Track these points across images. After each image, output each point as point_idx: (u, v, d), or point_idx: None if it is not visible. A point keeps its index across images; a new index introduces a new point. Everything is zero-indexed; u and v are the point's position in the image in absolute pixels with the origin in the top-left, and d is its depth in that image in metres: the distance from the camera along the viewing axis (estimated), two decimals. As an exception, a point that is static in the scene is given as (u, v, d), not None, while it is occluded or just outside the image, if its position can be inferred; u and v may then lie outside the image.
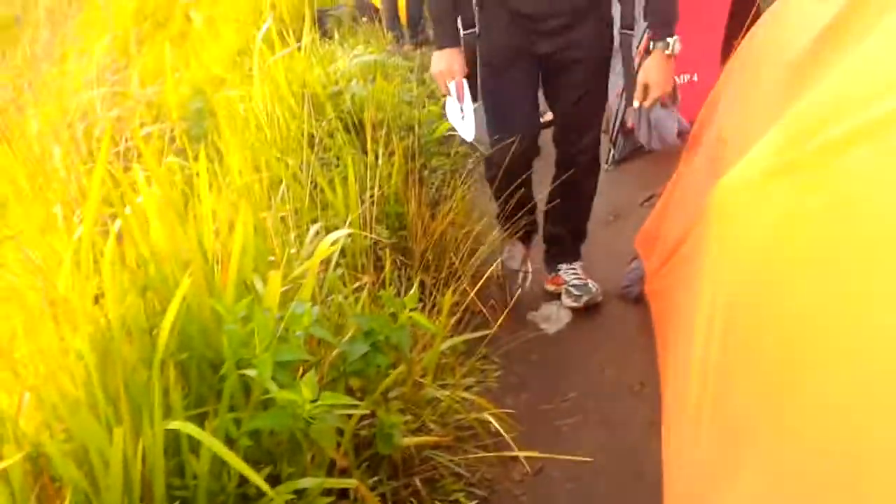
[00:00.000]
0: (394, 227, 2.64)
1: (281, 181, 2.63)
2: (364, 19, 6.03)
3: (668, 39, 2.30)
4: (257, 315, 1.53)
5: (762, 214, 1.27)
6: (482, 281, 2.47)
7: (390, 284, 2.36)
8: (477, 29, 2.47)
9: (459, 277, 2.54)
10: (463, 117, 2.49)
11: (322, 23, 5.82)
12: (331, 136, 2.87)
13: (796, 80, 1.39)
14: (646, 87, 2.38)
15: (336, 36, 4.94)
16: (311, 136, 2.93)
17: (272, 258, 2.03)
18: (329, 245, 1.80)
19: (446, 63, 2.43)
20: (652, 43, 2.33)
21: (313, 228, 2.30)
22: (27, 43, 4.84)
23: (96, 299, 1.76)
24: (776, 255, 1.20)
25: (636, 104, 2.42)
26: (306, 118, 3.05)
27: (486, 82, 2.51)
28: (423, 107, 3.24)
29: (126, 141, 4.42)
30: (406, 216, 2.66)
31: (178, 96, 4.46)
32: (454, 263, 2.61)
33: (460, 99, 2.44)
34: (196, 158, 3.69)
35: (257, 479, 1.38)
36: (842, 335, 1.01)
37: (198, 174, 2.34)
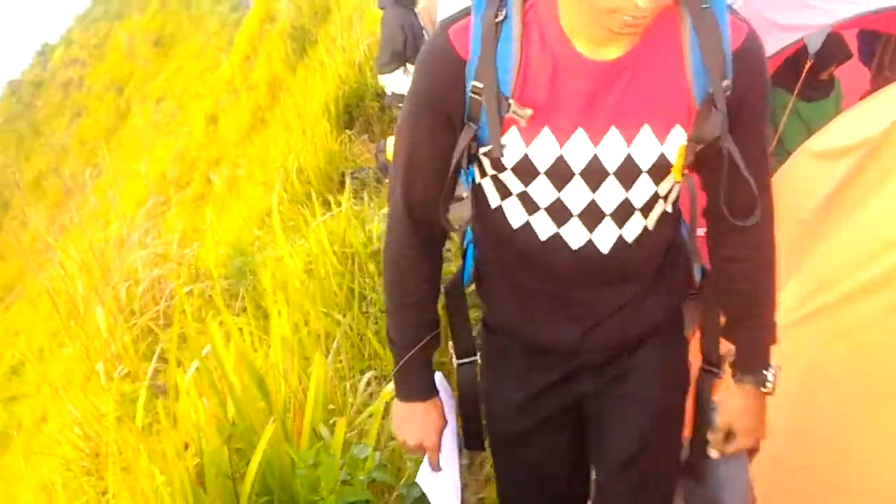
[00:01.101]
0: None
1: (328, 334, 2.81)
2: (387, 181, 6.40)
3: (765, 372, 1.48)
4: (324, 460, 1.67)
5: (789, 364, 1.42)
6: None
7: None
8: (478, 358, 1.58)
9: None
10: (440, 488, 1.58)
11: (349, 183, 6.16)
12: (374, 290, 3.08)
13: (808, 236, 1.59)
14: (728, 433, 1.52)
15: (364, 197, 5.25)
16: (354, 292, 3.14)
17: (331, 406, 2.19)
18: (390, 392, 1.96)
19: (415, 426, 1.52)
20: (740, 373, 1.50)
21: (365, 377, 2.46)
22: (74, 209, 5.15)
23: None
24: (805, 403, 1.34)
25: (712, 454, 1.55)
26: (348, 275, 3.26)
27: (498, 455, 1.66)
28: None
29: (167, 300, 4.66)
30: (448, 366, 2.82)
31: (215, 256, 4.74)
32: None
33: (435, 466, 1.55)
34: (238, 314, 3.90)
35: None
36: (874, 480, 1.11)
37: (248, 330, 2.54)
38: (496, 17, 1.21)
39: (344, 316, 2.96)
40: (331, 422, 2.05)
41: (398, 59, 5.80)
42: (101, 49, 33.63)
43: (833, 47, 3.65)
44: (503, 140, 1.24)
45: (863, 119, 2.04)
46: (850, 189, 1.57)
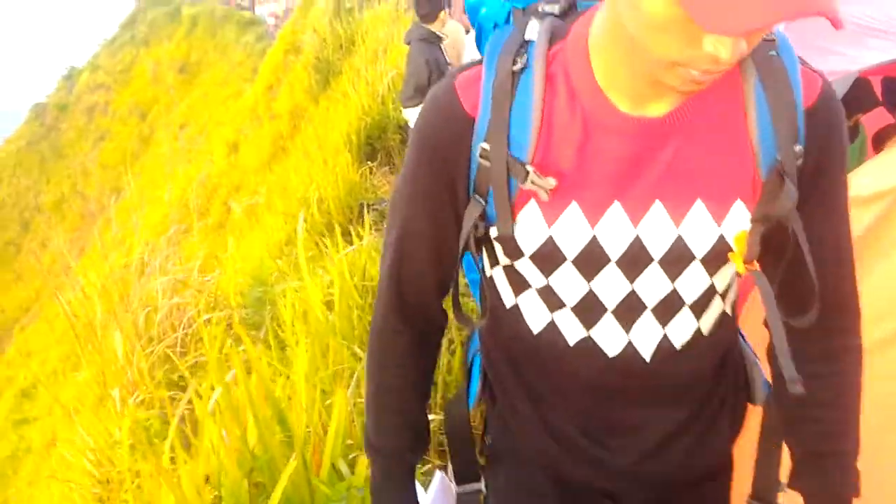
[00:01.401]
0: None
1: (347, 368, 2.81)
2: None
3: None
4: (353, 496, 1.66)
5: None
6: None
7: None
8: (482, 486, 1.29)
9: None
10: None
11: (368, 215, 6.19)
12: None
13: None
14: None
15: (383, 228, 5.27)
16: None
17: (350, 441, 2.18)
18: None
19: None
20: None
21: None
22: (96, 233, 5.20)
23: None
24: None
25: None
26: (368, 308, 3.26)
27: None
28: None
29: (185, 327, 4.67)
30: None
31: (235, 284, 4.76)
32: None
33: None
34: (257, 344, 3.90)
35: None
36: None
37: (268, 360, 2.53)
38: (514, 65, 0.97)
39: (363, 350, 2.95)
40: (349, 457, 2.04)
41: (422, 93, 5.84)
42: (126, 74, 34.14)
43: (860, 93, 3.65)
44: (519, 218, 0.99)
45: (890, 165, 2.03)
46: (879, 237, 1.56)
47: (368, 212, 6.36)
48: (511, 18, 1.12)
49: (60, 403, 15.56)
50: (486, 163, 0.98)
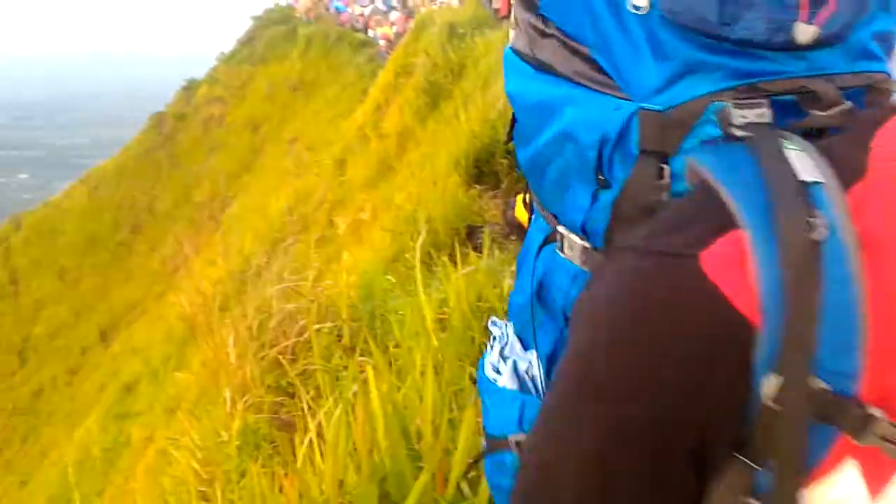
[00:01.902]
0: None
1: (463, 388, 2.83)
2: (513, 237, 6.43)
3: None
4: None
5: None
6: None
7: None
8: None
9: None
10: None
11: (473, 238, 6.24)
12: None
13: None
14: None
15: (494, 252, 5.29)
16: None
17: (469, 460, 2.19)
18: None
19: None
20: None
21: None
22: (208, 240, 5.42)
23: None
24: None
25: None
26: (481, 330, 3.28)
27: None
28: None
29: (297, 335, 4.80)
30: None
31: (347, 297, 4.86)
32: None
33: None
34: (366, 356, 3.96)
35: None
36: None
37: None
38: (809, 230, 0.56)
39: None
40: (468, 476, 2.06)
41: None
42: (242, 90, 35.45)
43: None
44: (819, 493, 0.59)
45: None
46: None
47: (476, 235, 6.41)
48: (641, 129, 0.71)
49: (160, 402, 16.14)
50: (775, 406, 0.57)
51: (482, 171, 8.19)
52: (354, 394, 2.18)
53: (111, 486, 12.71)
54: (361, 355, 4.14)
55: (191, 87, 40.05)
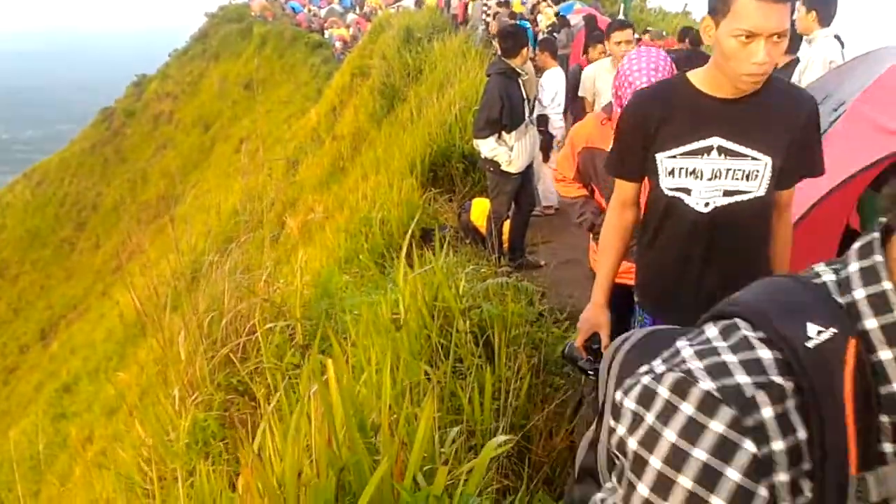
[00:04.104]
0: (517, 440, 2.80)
1: (417, 385, 2.85)
2: (467, 241, 6.48)
3: None
4: (441, 504, 1.70)
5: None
6: None
7: (512, 493, 2.51)
8: None
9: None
10: None
11: (427, 240, 6.27)
12: (458, 347, 3.12)
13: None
14: None
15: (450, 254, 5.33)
16: (442, 346, 3.18)
17: (424, 454, 2.22)
18: (495, 448, 1.98)
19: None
20: None
21: (454, 430, 2.49)
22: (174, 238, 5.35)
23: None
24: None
25: None
26: (436, 329, 3.31)
27: None
28: (547, 328, 3.50)
29: (247, 334, 4.76)
30: (530, 430, 2.83)
31: (301, 296, 4.84)
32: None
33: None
34: (313, 354, 3.95)
35: None
36: None
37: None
38: None
39: (433, 368, 3.00)
40: (424, 469, 2.08)
41: (493, 126, 5.93)
42: (194, 86, 34.97)
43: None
44: None
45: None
46: None
47: (430, 237, 6.44)
48: None
49: (99, 401, 15.70)
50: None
51: (437, 174, 8.25)
52: (311, 390, 2.18)
53: (47, 486, 12.42)
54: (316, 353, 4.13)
55: (141, 82, 39.38)
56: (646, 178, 2.38)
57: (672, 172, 2.26)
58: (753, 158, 2.19)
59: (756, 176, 2.21)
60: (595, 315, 2.40)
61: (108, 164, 34.99)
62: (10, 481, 16.45)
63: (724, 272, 2.28)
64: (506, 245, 6.27)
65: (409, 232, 6.73)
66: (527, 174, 6.22)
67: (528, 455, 2.82)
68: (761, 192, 2.23)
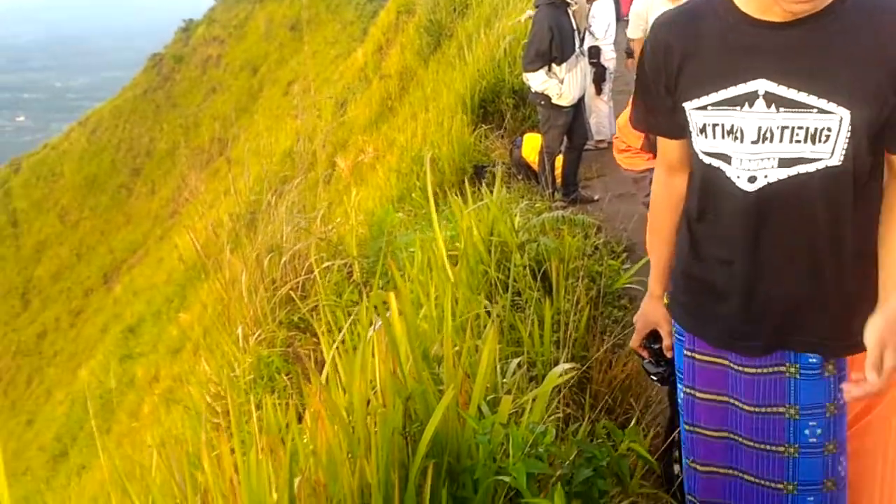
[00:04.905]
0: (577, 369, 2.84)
1: (477, 317, 2.89)
2: (519, 177, 6.46)
3: None
4: (513, 431, 1.75)
5: None
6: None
7: (574, 422, 2.55)
8: None
9: (639, 422, 2.69)
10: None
11: (479, 177, 6.26)
12: (515, 281, 3.15)
13: None
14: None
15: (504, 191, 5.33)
16: (499, 281, 3.21)
17: (487, 385, 2.26)
18: (558, 376, 2.02)
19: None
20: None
21: (514, 362, 2.53)
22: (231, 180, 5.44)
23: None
24: None
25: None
26: (493, 264, 3.34)
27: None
28: (604, 261, 3.51)
29: (306, 273, 4.86)
30: (589, 360, 2.86)
31: (357, 234, 4.90)
32: (633, 409, 2.78)
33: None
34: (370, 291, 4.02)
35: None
36: None
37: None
38: None
39: (491, 303, 3.03)
40: (487, 399, 2.13)
41: (542, 58, 5.84)
42: (240, 30, 35.02)
43: None
44: None
45: None
46: None
47: (482, 174, 6.43)
48: None
49: (164, 342, 16.17)
50: None
51: (487, 110, 8.18)
52: (376, 324, 2.23)
53: (117, 423, 12.96)
54: (373, 290, 4.20)
55: (189, 27, 39.53)
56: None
57: (704, 130, 1.62)
58: (821, 111, 1.49)
59: (826, 136, 1.50)
60: (652, 310, 1.97)
61: (160, 110, 35.43)
62: (83, 419, 17.19)
63: (783, 284, 1.66)
64: (559, 180, 6.23)
65: (461, 169, 6.80)
66: (578, 107, 6.14)
67: (588, 385, 2.85)
68: (836, 160, 1.52)
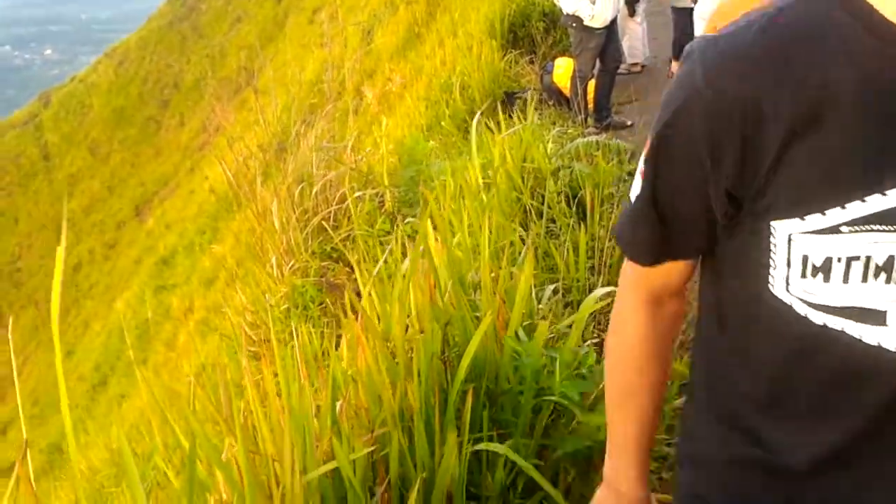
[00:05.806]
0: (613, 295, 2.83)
1: (511, 244, 2.89)
2: (551, 103, 6.37)
3: None
4: (562, 352, 1.76)
5: None
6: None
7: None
8: None
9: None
10: None
11: (510, 103, 6.17)
12: (549, 207, 3.13)
13: None
14: None
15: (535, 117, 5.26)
16: (534, 208, 3.19)
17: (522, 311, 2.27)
18: (595, 301, 2.02)
19: None
20: None
21: (550, 288, 2.53)
22: (259, 111, 5.42)
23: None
24: None
25: None
26: (527, 191, 3.32)
27: None
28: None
29: (337, 202, 4.86)
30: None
31: (388, 163, 4.88)
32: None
33: None
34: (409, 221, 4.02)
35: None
36: None
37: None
38: None
39: (525, 230, 3.03)
40: (524, 324, 2.14)
41: (576, -22, 5.70)
42: (264, -44, 34.41)
43: None
44: None
45: None
46: None
47: (512, 101, 6.35)
48: None
49: (197, 273, 16.36)
50: None
51: (517, 35, 8.03)
52: (403, 251, 2.24)
53: (154, 353, 13.26)
54: (405, 219, 4.21)
55: (211, -45, 38.91)
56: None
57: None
58: None
59: None
60: None
61: (186, 40, 35.20)
62: (120, 350, 17.60)
63: None
64: (591, 105, 6.13)
65: (492, 96, 6.70)
66: (611, 29, 5.99)
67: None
68: None
